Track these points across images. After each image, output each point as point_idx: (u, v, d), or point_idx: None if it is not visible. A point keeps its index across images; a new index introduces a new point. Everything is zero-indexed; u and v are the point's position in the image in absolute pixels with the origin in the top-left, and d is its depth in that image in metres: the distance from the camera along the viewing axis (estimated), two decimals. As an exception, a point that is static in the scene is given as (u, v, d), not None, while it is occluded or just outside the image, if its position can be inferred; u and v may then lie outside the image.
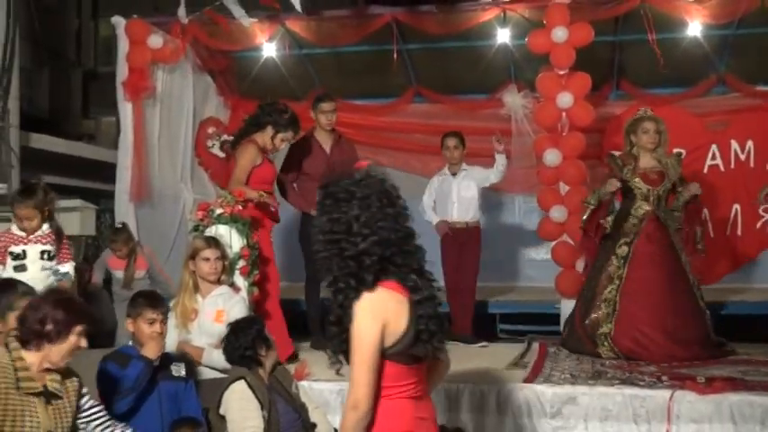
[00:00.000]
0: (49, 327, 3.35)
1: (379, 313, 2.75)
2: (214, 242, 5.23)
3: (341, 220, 2.78)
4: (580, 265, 7.24)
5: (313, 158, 6.88)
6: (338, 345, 2.85)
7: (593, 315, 6.20)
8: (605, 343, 6.04)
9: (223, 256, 5.22)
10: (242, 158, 6.15)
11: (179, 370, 4.52)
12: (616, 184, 6.36)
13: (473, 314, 7.11)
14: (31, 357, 3.35)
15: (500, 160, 7.09)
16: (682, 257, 6.28)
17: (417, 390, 2.84)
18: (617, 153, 6.78)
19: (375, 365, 2.72)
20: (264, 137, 6.25)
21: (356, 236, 2.76)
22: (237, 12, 7.42)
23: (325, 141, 6.98)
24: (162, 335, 4.39)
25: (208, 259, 5.10)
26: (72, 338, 3.40)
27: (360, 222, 2.75)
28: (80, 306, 3.53)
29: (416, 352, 2.79)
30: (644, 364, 5.75)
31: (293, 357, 6.10)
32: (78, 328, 3.42)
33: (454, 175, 7.22)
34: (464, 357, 6.23)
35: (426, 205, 7.29)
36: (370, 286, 2.75)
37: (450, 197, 7.16)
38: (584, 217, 6.47)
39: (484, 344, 6.88)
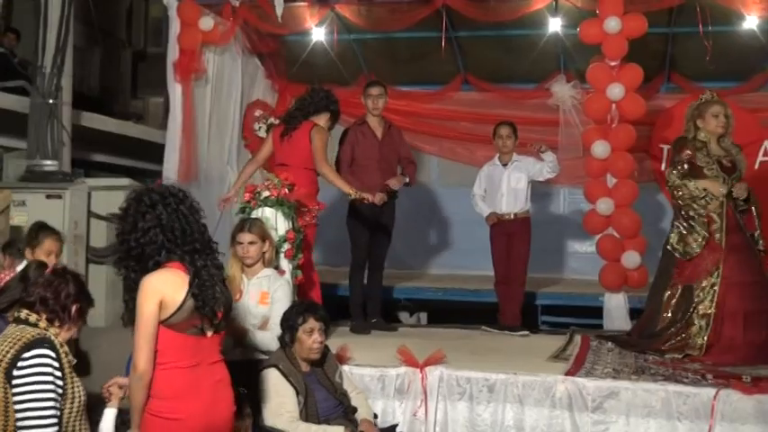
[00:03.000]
0: (74, 307, 3.42)
1: (156, 291, 3.34)
2: (249, 226, 5.23)
3: (129, 220, 3.45)
4: (627, 259, 7.18)
5: (365, 144, 6.92)
6: (130, 315, 3.40)
7: (684, 329, 5.82)
8: (695, 354, 5.74)
9: (263, 240, 5.22)
10: (321, 141, 6.19)
11: None
12: (721, 191, 5.83)
13: (521, 304, 7.07)
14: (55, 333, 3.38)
15: (548, 157, 6.92)
16: (757, 253, 5.98)
17: (198, 357, 3.43)
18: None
19: (152, 334, 3.32)
20: (321, 121, 6.36)
21: (140, 230, 3.42)
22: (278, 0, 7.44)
23: (376, 128, 7.00)
24: None
25: (241, 243, 5.15)
26: (83, 319, 3.51)
27: (144, 219, 3.42)
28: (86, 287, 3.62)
29: (196, 322, 3.40)
30: (688, 362, 5.67)
31: None
32: (88, 310, 3.53)
33: (505, 165, 7.10)
34: (506, 348, 6.24)
35: (477, 196, 7.20)
36: (152, 269, 3.39)
37: (500, 188, 7.04)
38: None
39: (525, 333, 6.85)
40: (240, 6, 7.94)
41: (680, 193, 5.94)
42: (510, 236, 7.00)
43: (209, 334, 3.47)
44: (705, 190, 5.87)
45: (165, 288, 3.36)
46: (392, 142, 7.01)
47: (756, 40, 8.15)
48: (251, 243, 5.15)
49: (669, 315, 5.95)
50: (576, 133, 8.17)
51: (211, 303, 3.42)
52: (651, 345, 5.94)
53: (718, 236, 5.87)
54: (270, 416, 4.38)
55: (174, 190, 3.56)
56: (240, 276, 5.19)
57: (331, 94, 6.55)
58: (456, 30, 8.60)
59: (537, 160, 7.00)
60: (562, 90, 8.63)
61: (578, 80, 8.40)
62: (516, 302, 7.01)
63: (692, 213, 5.91)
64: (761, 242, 6.04)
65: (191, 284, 3.39)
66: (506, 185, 7.03)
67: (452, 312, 7.18)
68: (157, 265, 3.41)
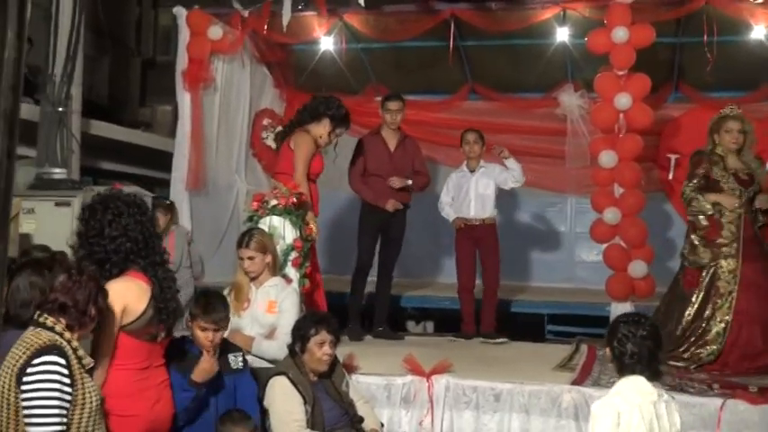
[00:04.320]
0: (93, 309, 3.34)
1: (121, 297, 3.54)
2: (248, 241, 5.14)
3: (95, 225, 3.64)
4: (634, 269, 7.17)
5: (377, 155, 6.96)
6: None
7: (701, 336, 5.85)
8: (709, 359, 5.77)
9: (264, 252, 5.14)
10: (302, 150, 6.12)
11: (237, 361, 4.39)
12: (733, 203, 5.89)
13: (495, 310, 7.07)
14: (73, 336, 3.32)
15: (511, 164, 6.97)
16: None
17: (148, 361, 3.70)
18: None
19: (112, 337, 3.55)
20: (320, 129, 6.25)
21: (106, 238, 3.62)
22: (286, 9, 7.43)
23: (390, 140, 7.03)
24: (214, 346, 4.17)
25: (241, 258, 5.14)
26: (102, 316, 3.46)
27: (111, 227, 3.63)
28: None
29: (152, 330, 3.65)
30: (694, 371, 5.67)
31: None
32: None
33: (472, 171, 7.14)
34: (512, 357, 6.24)
35: (444, 202, 7.25)
36: (114, 276, 3.58)
37: (468, 194, 7.08)
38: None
39: (503, 340, 6.85)
40: (249, 16, 7.97)
41: (690, 206, 6.01)
42: (477, 241, 7.03)
43: (160, 340, 3.74)
44: (718, 203, 5.92)
45: (129, 296, 3.58)
46: (405, 154, 7.05)
47: (765, 50, 8.13)
48: (250, 258, 5.12)
49: (684, 324, 5.95)
50: (584, 143, 8.16)
51: (173, 316, 3.72)
52: (668, 354, 5.94)
53: (735, 245, 5.90)
54: (277, 423, 4.38)
55: (138, 200, 3.81)
56: (248, 285, 5.20)
57: (331, 100, 6.38)
58: (464, 39, 8.63)
59: (503, 168, 7.02)
60: (570, 99, 8.63)
61: (586, 90, 8.39)
62: (491, 309, 7.02)
63: (698, 225, 5.98)
64: None
65: (153, 295, 3.63)
66: (474, 191, 7.07)
67: (459, 321, 7.18)
68: (120, 273, 3.63)
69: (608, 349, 3.57)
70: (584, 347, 6.45)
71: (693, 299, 5.96)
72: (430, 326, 8.38)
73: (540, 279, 8.87)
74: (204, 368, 4.08)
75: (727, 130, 6.04)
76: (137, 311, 3.60)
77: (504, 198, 8.21)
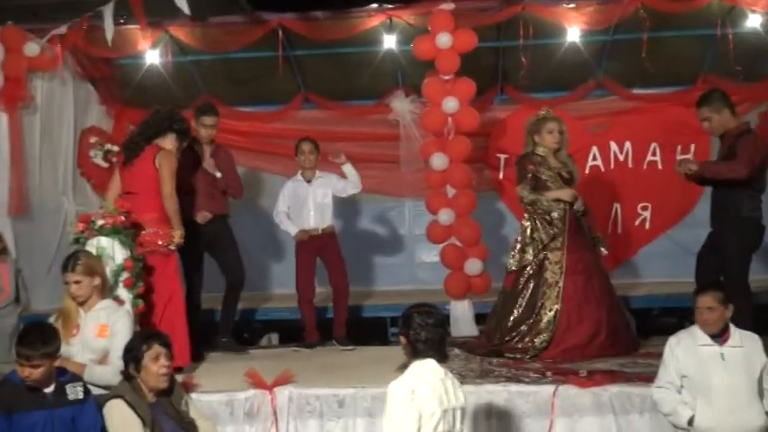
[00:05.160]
0: None
1: None
2: (72, 265, 4.95)
3: None
4: (470, 267, 7.37)
5: (191, 169, 6.76)
6: None
7: (533, 326, 6.11)
8: (542, 346, 6.03)
9: (90, 275, 4.96)
10: (170, 169, 5.98)
11: (76, 392, 4.26)
12: (571, 194, 6.27)
13: (347, 317, 7.12)
14: None
15: (348, 170, 7.08)
16: (595, 252, 6.42)
17: None
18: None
19: None
20: (167, 144, 6.12)
21: None
22: (108, 23, 7.20)
23: (203, 152, 6.88)
24: (33, 381, 4.07)
25: (66, 283, 4.94)
26: None
27: None
28: None
29: None
30: (529, 362, 5.90)
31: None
32: None
33: (309, 181, 7.14)
34: (355, 363, 6.27)
35: (281, 212, 7.19)
36: None
37: (307, 204, 7.08)
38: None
39: (351, 348, 6.91)
40: (67, 31, 7.67)
41: (535, 206, 6.28)
42: (319, 251, 7.06)
43: None
44: (558, 200, 6.24)
45: None
46: (220, 164, 6.91)
47: (579, 52, 8.55)
48: (77, 282, 4.91)
49: (516, 315, 6.22)
50: (417, 147, 8.33)
51: None
52: (503, 346, 6.16)
53: (561, 239, 6.22)
54: (116, 450, 4.23)
55: None
56: (76, 310, 4.98)
57: (174, 113, 6.25)
58: (294, 48, 8.61)
59: (339, 177, 7.10)
60: (401, 105, 8.81)
61: (416, 95, 8.56)
62: (343, 313, 7.08)
63: (538, 224, 6.26)
64: (599, 235, 6.56)
65: None
66: (312, 201, 7.08)
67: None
68: None
69: (403, 337, 3.81)
70: (425, 347, 6.54)
71: (524, 291, 6.22)
72: (275, 338, 8.30)
73: (383, 283, 8.96)
74: None
75: (550, 131, 6.36)
76: None
77: (344, 205, 8.29)
